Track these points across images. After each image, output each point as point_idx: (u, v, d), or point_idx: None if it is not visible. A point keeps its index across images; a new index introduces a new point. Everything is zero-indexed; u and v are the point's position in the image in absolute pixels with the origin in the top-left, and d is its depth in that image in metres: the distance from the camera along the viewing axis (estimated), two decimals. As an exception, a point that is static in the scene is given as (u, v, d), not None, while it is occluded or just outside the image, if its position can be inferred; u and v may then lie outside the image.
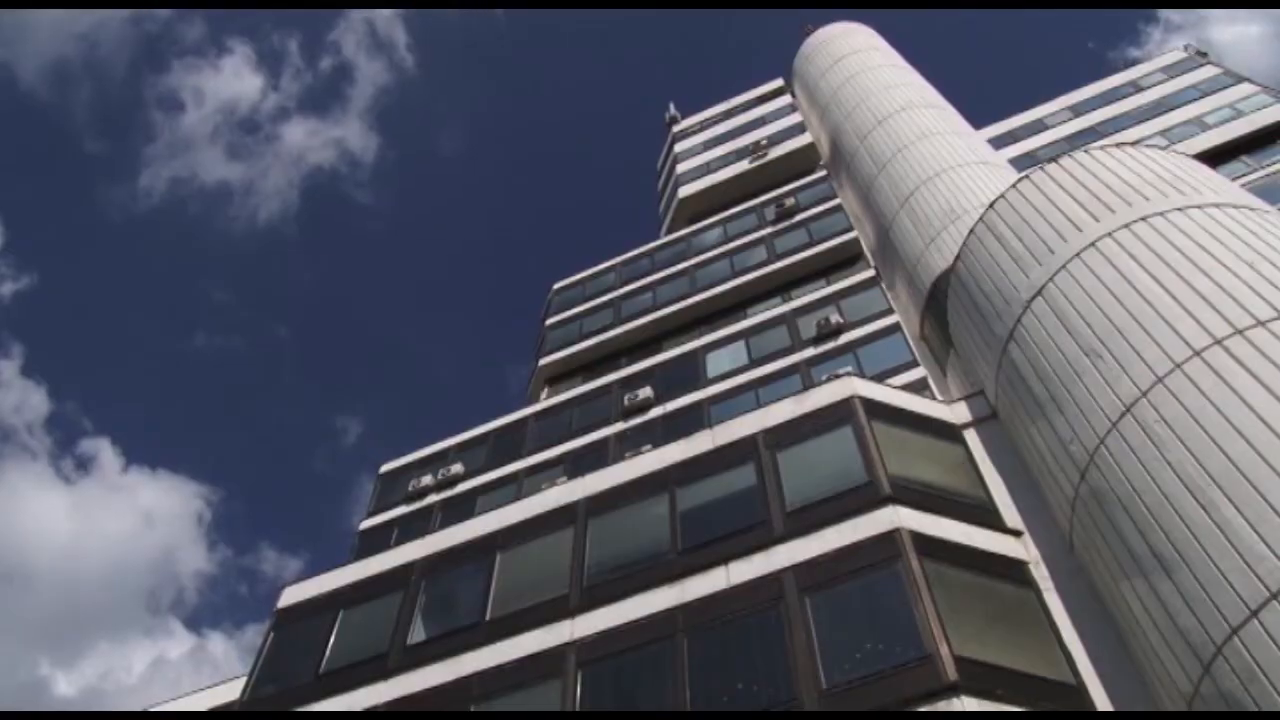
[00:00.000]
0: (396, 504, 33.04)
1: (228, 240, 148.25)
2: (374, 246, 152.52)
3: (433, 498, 32.37)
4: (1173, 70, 47.41)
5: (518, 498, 22.98)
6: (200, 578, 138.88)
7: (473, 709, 17.09)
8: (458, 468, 32.95)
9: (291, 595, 21.91)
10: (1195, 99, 43.95)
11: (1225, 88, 43.65)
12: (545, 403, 35.71)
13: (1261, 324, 14.81)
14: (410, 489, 32.99)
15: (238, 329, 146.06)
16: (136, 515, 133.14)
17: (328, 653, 19.77)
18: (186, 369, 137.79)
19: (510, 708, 17.05)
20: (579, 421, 32.52)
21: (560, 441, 31.93)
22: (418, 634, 19.44)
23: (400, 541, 25.26)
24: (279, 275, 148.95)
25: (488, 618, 18.76)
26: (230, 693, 21.26)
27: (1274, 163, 37.75)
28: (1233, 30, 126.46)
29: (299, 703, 18.75)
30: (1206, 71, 45.99)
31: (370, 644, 19.50)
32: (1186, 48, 49.70)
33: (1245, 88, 42.95)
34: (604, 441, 30.70)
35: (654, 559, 18.22)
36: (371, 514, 33.43)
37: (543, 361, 38.74)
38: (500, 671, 17.51)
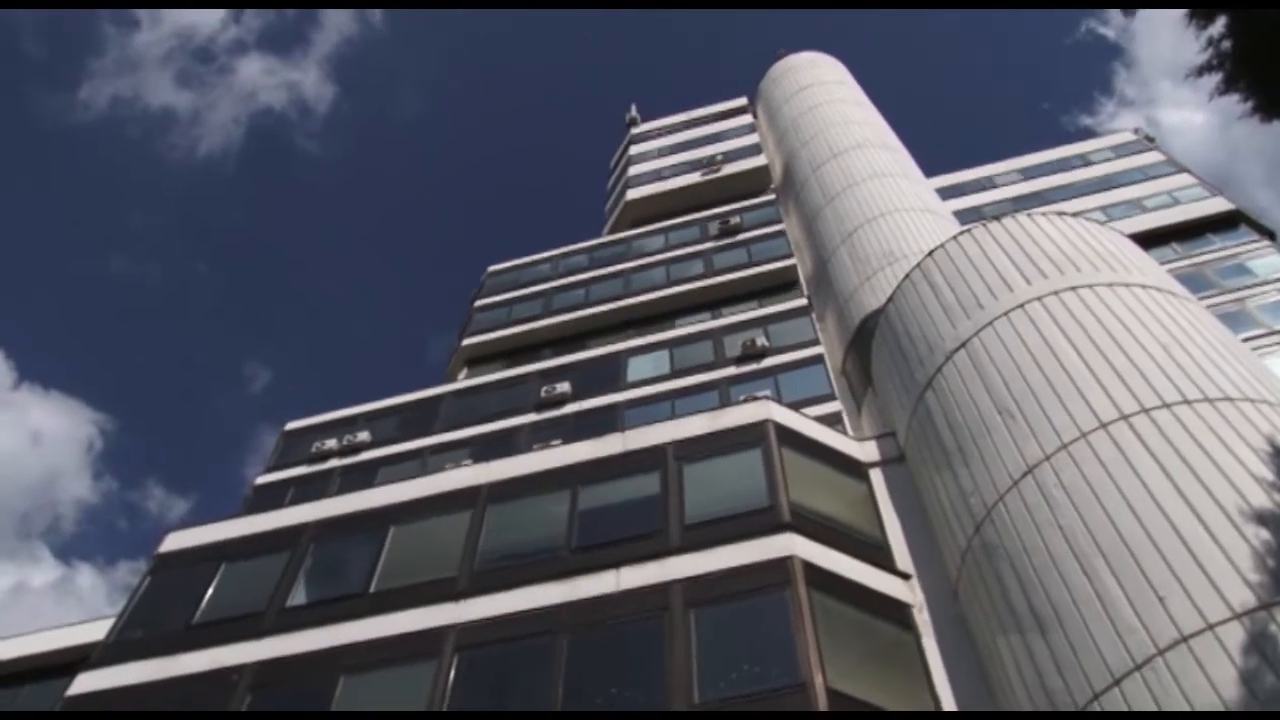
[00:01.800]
0: (297, 463, 32.55)
1: (163, 168, 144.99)
2: (313, 197, 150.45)
3: (335, 462, 31.95)
4: (1121, 150, 48.79)
5: (421, 474, 22.77)
6: (80, 507, 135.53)
7: (342, 680, 16.85)
8: (364, 435, 32.57)
9: (175, 541, 21.48)
10: (1138, 181, 45.34)
11: (1166, 175, 45.26)
12: (462, 383, 35.45)
13: (1167, 406, 15.22)
14: (313, 450, 32.53)
15: (157, 258, 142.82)
16: (23, 434, 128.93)
17: (203, 604, 19.40)
18: (96, 291, 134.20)
19: (381, 683, 16.86)
20: (493, 407, 32.32)
21: (471, 424, 31.70)
22: (298, 597, 19.16)
23: (296, 501, 24.88)
24: (210, 211, 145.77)
25: (372, 590, 18.55)
26: (95, 632, 20.67)
27: (1201, 253, 39.12)
28: (1180, 115, 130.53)
29: (165, 652, 18.35)
30: (1152, 157, 47.43)
31: (248, 601, 19.17)
32: (1137, 131, 51.11)
33: (1185, 178, 44.50)
34: (515, 430, 30.56)
35: (547, 553, 18.16)
36: (270, 469, 32.89)
37: (466, 341, 38.47)
38: (376, 645, 17.32)
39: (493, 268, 43.94)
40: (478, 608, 17.38)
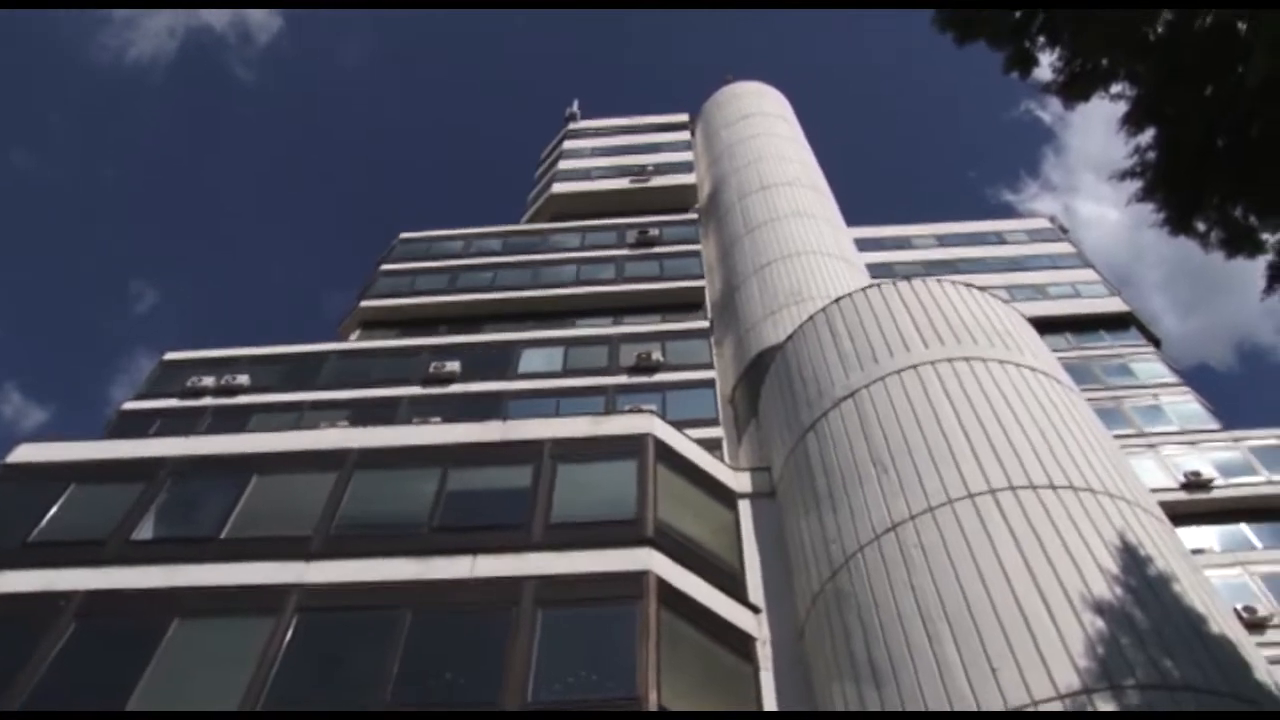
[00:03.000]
0: (170, 395, 31.68)
1: (87, 68, 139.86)
2: (236, 127, 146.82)
3: (209, 400, 31.20)
4: (1035, 235, 50.31)
5: (295, 428, 22.37)
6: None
7: (176, 622, 16.40)
8: (244, 379, 31.85)
9: (27, 453, 20.72)
10: (1045, 268, 46.80)
11: (1072, 267, 46.89)
12: (353, 344, 34.95)
13: (1033, 488, 15.65)
14: (188, 385, 31.70)
15: (65, 157, 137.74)
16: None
17: (43, 523, 18.73)
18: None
19: (215, 631, 16.49)
20: (379, 373, 31.91)
21: (354, 386, 31.22)
22: (145, 531, 18.63)
23: (161, 433, 24.22)
24: (128, 120, 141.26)
25: (223, 535, 18.14)
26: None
27: (1091, 347, 40.70)
28: (1096, 209, 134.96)
29: (-6, 565, 17.74)
30: (1062, 247, 49.01)
31: (92, 527, 18.57)
32: (1053, 219, 52.74)
33: (1089, 273, 46.21)
34: (397, 400, 30.20)
35: (407, 528, 17.95)
36: (140, 397, 31.94)
37: (364, 303, 37.90)
38: (217, 592, 16.91)
39: (405, 235, 43.44)
40: (327, 571, 17.11)
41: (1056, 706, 12.45)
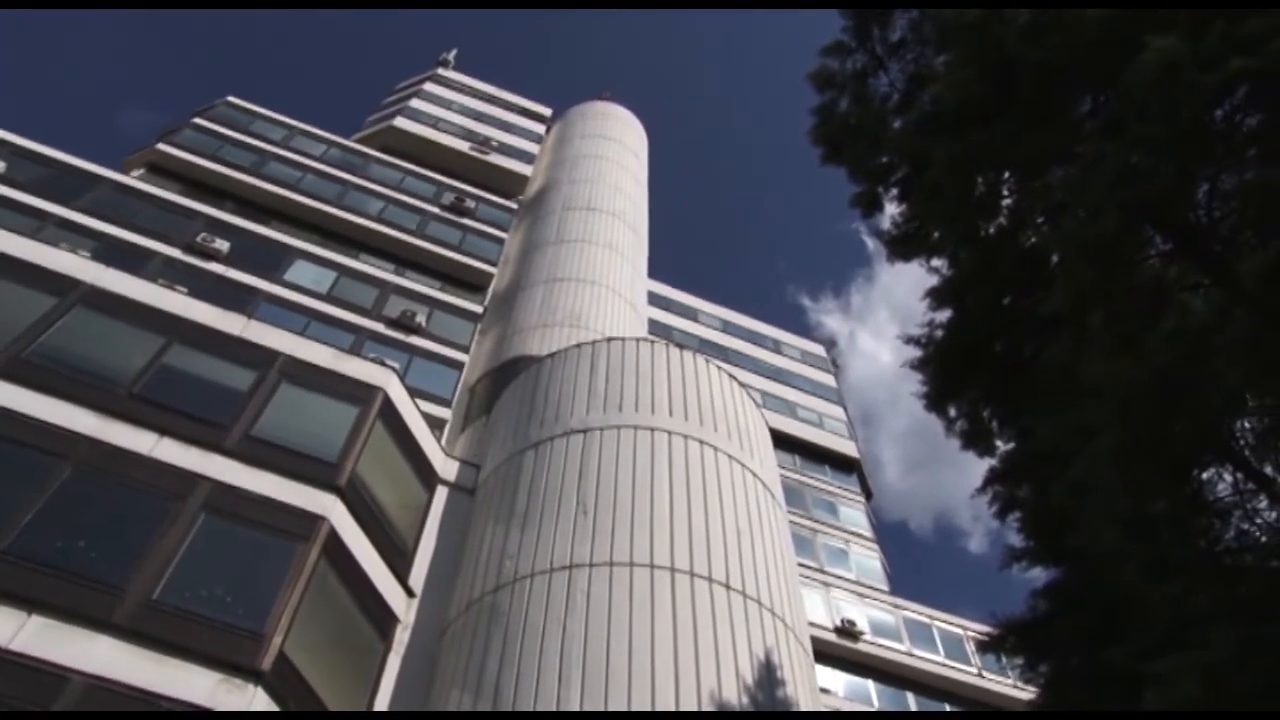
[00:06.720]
0: (-92, 149, 29.16)
1: None
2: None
3: (-49, 173, 28.84)
4: (808, 358, 52.86)
5: (32, 237, 20.94)
6: None
7: None
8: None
9: None
10: (804, 390, 49.25)
11: (827, 399, 49.65)
12: (132, 180, 33.00)
13: (709, 580, 16.36)
14: (-66, 147, 29.25)
15: None
16: None
17: None
18: None
19: None
20: (145, 222, 30.18)
21: (114, 223, 29.48)
22: None
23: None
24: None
25: (-103, 317, 16.74)
26: None
27: (811, 476, 43.24)
28: (875, 345, 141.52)
29: None
30: (826, 379, 51.71)
31: None
32: (830, 350, 55.48)
33: (838, 411, 48.98)
34: (151, 254, 28.63)
35: (104, 382, 16.95)
36: None
37: (160, 146, 35.84)
38: None
39: (233, 99, 41.55)
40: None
41: (641, 785, 12.96)
